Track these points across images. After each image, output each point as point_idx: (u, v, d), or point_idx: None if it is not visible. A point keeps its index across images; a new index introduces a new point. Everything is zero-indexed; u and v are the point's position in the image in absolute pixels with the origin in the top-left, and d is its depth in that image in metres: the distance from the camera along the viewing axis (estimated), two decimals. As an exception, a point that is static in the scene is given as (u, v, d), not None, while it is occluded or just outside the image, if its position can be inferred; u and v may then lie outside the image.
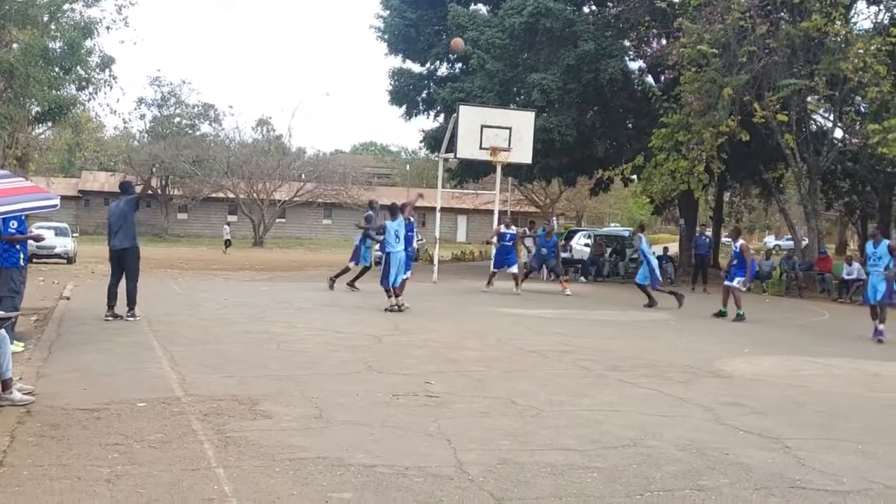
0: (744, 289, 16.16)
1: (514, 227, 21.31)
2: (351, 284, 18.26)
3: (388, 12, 32.69)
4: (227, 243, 47.18)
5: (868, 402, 8.37)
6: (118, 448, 5.49)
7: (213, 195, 59.96)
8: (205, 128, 65.86)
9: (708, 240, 26.36)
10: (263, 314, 13.65)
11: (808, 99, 24.52)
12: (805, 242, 27.74)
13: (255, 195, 57.50)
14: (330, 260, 37.69)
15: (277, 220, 61.32)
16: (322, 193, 59.69)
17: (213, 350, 9.80)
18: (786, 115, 23.18)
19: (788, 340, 13.43)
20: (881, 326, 13.55)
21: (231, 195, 58.56)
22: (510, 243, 20.20)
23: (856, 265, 23.77)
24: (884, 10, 25.24)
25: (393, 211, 15.03)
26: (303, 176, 61.40)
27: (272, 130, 64.25)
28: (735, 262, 16.30)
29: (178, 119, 64.78)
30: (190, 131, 63.56)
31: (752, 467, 5.56)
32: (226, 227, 51.05)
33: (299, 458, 5.41)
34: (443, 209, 24.91)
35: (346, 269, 18.68)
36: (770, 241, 68.18)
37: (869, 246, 14.39)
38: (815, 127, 26.69)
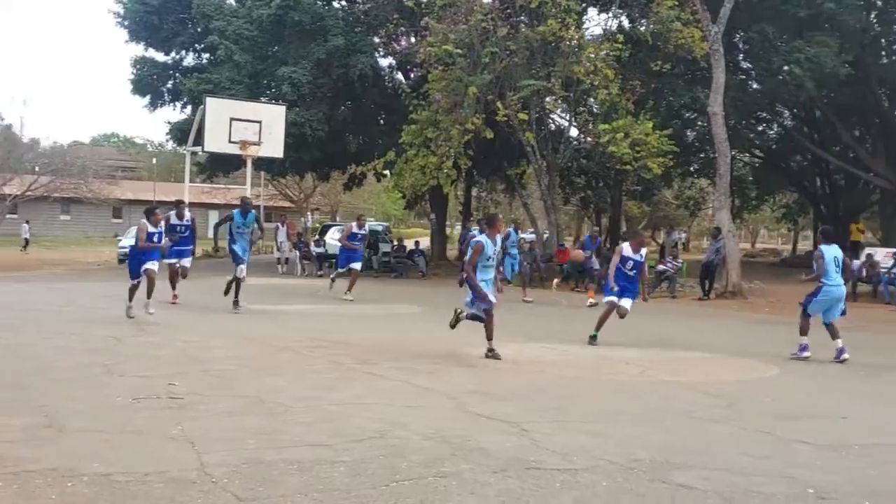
0: None
1: (366, 227, 20.29)
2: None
3: (127, -3, 31.00)
4: (26, 242, 43.94)
5: (598, 385, 9.02)
6: None
7: (-73, 188, 54.20)
8: (-82, 115, 59.48)
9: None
10: (-12, 319, 12.53)
11: (547, 99, 25.98)
12: (546, 235, 29.41)
13: (-22, 189, 52.67)
14: (68, 258, 35.33)
15: (8, 216, 56.51)
16: (59, 188, 55.69)
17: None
18: (526, 115, 24.42)
19: (529, 329, 14.11)
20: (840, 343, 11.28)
21: (-50, 188, 53.28)
22: (360, 244, 19.15)
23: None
24: (612, 18, 27.29)
25: (489, 222, 11.73)
26: (37, 168, 57.04)
27: (0, 119, 59.18)
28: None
29: None
30: None
31: (492, 452, 5.80)
32: (24, 225, 47.54)
33: (25, 470, 5.01)
34: (192, 204, 24.02)
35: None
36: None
37: (827, 251, 11.38)
38: (553, 126, 28.34)
